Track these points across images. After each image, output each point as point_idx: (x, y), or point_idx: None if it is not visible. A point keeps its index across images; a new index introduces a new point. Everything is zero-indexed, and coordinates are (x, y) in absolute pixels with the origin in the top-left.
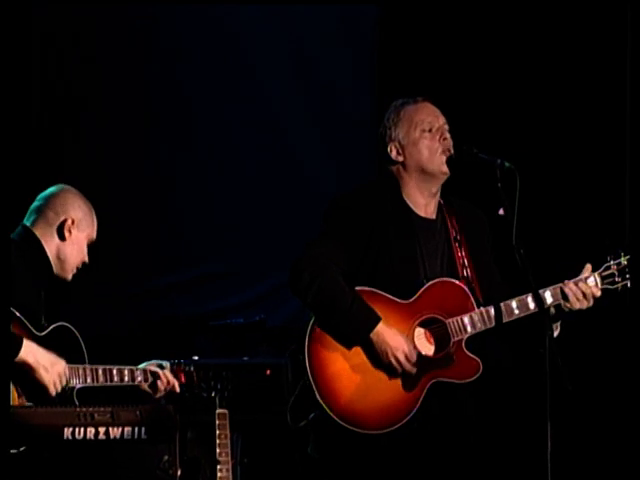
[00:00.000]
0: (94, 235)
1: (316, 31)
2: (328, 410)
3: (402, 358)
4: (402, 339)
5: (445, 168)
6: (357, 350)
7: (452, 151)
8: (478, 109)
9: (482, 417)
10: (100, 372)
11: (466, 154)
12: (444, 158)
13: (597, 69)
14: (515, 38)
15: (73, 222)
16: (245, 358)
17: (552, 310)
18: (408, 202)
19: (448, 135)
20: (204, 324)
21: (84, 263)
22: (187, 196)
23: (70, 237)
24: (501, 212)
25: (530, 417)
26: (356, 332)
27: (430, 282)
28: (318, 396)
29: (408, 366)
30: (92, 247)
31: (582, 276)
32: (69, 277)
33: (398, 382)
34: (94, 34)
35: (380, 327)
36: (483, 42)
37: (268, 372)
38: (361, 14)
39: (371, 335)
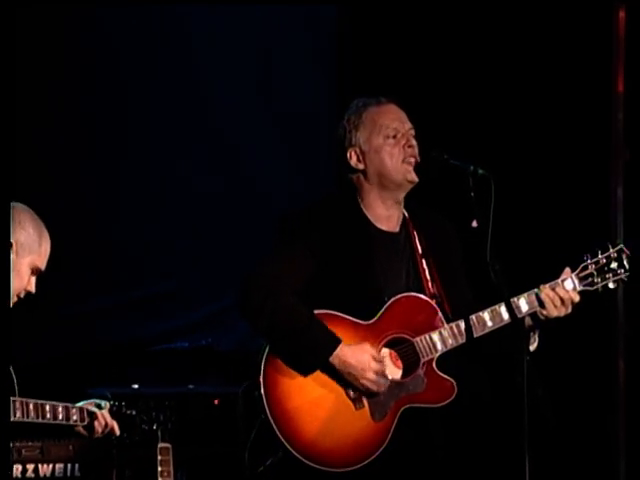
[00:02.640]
0: (39, 264)
1: (274, 32)
2: (291, 449)
3: (373, 377)
4: (366, 356)
5: (410, 175)
6: (318, 380)
7: (418, 159)
8: (447, 112)
9: (452, 447)
10: (31, 407)
11: (436, 160)
12: (409, 166)
13: (577, 69)
14: (484, 36)
15: (12, 246)
16: (190, 386)
17: (528, 320)
18: (368, 215)
19: (414, 142)
20: (145, 349)
21: (29, 293)
22: (127, 211)
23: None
24: (474, 224)
25: (507, 450)
26: (314, 357)
27: (393, 299)
28: (279, 434)
29: (382, 384)
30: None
31: (559, 280)
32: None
33: (366, 413)
34: (40, 35)
35: (340, 349)
36: (449, 41)
37: (216, 402)
38: (321, 14)
39: (331, 359)
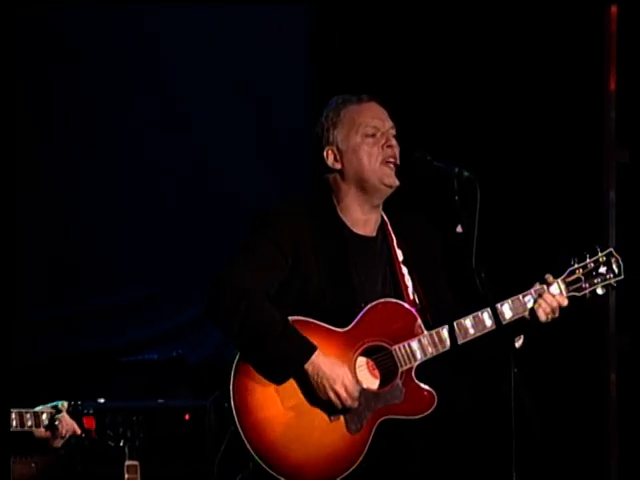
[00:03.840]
0: None
1: (244, 33)
2: (262, 463)
3: (342, 392)
4: (342, 370)
5: (390, 180)
6: (291, 389)
7: (398, 160)
8: (431, 112)
9: (433, 461)
10: None
11: (419, 161)
12: (388, 169)
13: (567, 66)
14: (470, 32)
15: None
16: (160, 400)
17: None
18: (343, 218)
19: (394, 142)
20: (111, 361)
21: None
22: (92, 212)
23: None
24: (459, 229)
25: (493, 463)
26: (288, 363)
27: (370, 305)
28: (249, 447)
29: (349, 401)
30: None
31: (544, 285)
32: None
33: (341, 424)
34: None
35: (316, 357)
36: (432, 37)
37: (187, 417)
38: (292, 15)
39: (306, 366)
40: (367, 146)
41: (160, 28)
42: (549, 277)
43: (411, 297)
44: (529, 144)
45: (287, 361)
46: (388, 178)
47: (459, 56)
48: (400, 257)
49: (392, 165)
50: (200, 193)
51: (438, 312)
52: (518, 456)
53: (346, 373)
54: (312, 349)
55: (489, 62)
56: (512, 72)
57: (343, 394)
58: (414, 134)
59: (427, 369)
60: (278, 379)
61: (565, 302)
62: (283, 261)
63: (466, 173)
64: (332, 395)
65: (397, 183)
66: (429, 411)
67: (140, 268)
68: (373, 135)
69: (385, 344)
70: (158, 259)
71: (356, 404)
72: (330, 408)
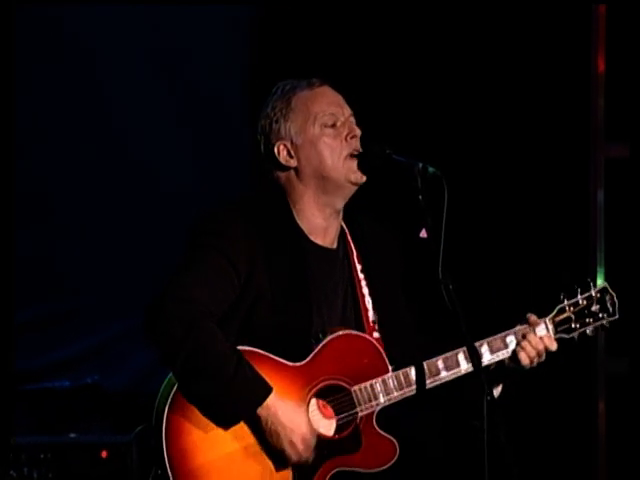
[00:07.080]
0: None
1: (184, 32)
2: None
3: (299, 445)
4: (300, 419)
5: (355, 176)
6: (234, 433)
7: (361, 151)
8: (392, 101)
9: None
10: None
11: (376, 156)
12: (354, 164)
13: (551, 46)
14: (436, 10)
15: None
16: (72, 435)
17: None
18: (301, 224)
19: (357, 131)
20: (14, 389)
21: None
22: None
23: None
24: (423, 234)
25: None
26: (239, 406)
27: (329, 337)
28: None
29: (305, 455)
30: None
31: (527, 325)
32: None
33: (288, 475)
34: None
35: (272, 400)
36: (376, 36)
37: (104, 454)
38: (236, 14)
39: (259, 411)
40: (327, 138)
41: (93, 27)
42: (531, 317)
43: (371, 322)
44: (506, 137)
45: (238, 403)
46: (354, 174)
47: (427, 35)
48: (360, 274)
49: (357, 159)
50: (126, 195)
51: (401, 337)
52: None
53: (304, 422)
54: (267, 391)
55: (458, 42)
56: (488, 55)
57: (300, 446)
58: (371, 126)
59: (393, 408)
60: (226, 423)
61: (554, 346)
62: (235, 278)
63: (431, 169)
64: (287, 446)
65: (363, 180)
66: (389, 464)
67: (46, 280)
68: (333, 125)
69: (344, 384)
70: (74, 269)
71: (311, 458)
72: (278, 457)
